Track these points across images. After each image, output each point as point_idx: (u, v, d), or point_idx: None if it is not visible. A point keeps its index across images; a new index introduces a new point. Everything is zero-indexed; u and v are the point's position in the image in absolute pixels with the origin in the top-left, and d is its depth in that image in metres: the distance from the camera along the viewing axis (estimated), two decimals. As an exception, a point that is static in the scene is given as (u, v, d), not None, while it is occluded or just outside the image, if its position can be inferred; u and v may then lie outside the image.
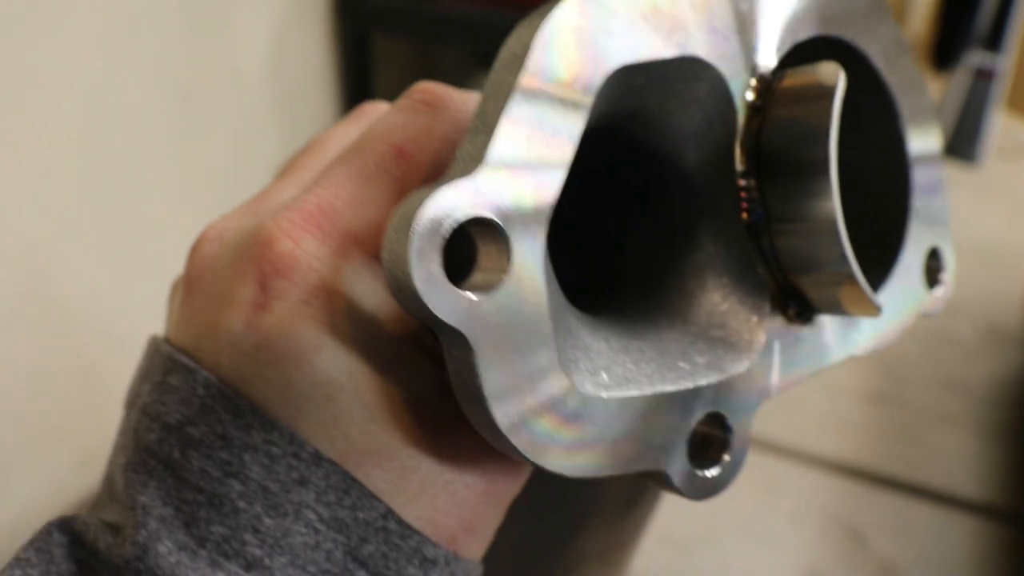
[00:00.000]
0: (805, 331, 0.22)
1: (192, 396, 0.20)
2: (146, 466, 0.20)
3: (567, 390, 0.17)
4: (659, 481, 0.19)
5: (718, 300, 0.21)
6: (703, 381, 0.19)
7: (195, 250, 0.22)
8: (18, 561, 0.19)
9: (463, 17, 1.00)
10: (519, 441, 0.17)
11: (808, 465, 0.97)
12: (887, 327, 0.24)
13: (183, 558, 0.18)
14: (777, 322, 0.21)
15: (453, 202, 0.15)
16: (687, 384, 0.19)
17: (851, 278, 0.19)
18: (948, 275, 0.26)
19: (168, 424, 0.20)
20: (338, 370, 0.19)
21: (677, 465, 0.19)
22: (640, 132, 0.21)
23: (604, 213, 0.24)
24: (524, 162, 0.16)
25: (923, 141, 0.25)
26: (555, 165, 0.17)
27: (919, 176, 0.25)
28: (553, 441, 0.17)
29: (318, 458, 0.19)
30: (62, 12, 0.68)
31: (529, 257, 0.16)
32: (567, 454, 0.17)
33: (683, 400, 0.19)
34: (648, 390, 0.18)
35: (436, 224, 0.15)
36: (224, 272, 0.21)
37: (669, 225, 0.22)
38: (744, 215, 0.20)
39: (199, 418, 0.19)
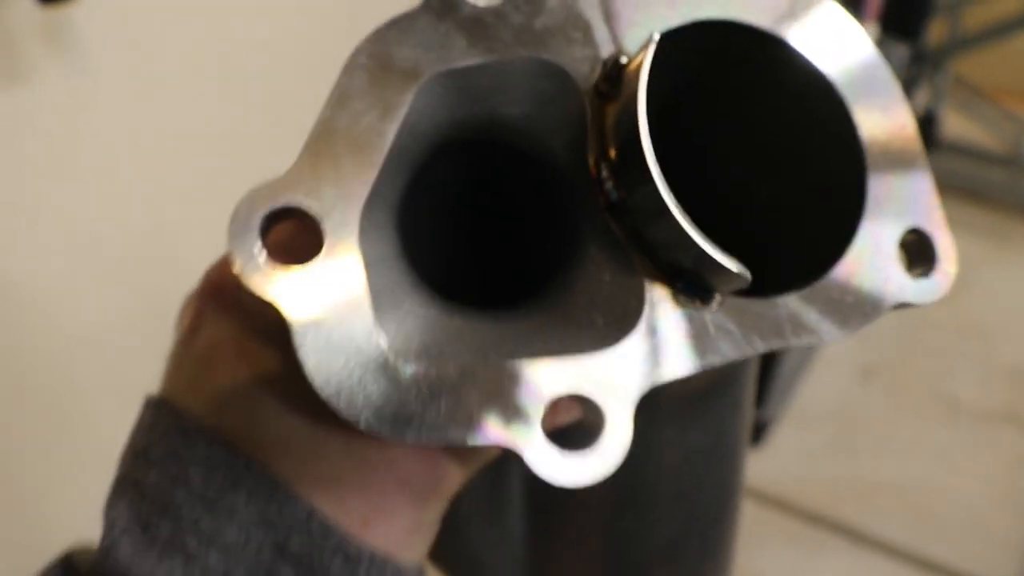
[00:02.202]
0: (706, 314, 0.21)
1: (156, 425, 0.24)
2: (121, 487, 0.24)
3: (383, 357, 0.19)
4: (517, 459, 0.20)
5: (595, 288, 0.22)
6: (548, 361, 0.20)
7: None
8: None
9: None
10: (333, 399, 0.19)
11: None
12: (847, 311, 0.23)
13: (137, 556, 0.22)
14: (665, 304, 0.21)
15: (270, 193, 0.19)
16: (526, 361, 0.20)
17: (682, 235, 0.19)
18: (945, 264, 0.24)
19: (138, 451, 0.24)
20: (257, 367, 0.22)
21: (531, 441, 0.20)
22: (511, 138, 0.22)
23: (508, 220, 0.25)
24: (340, 157, 0.19)
25: (883, 113, 0.24)
26: (369, 160, 0.19)
27: (884, 149, 0.23)
28: (379, 406, 0.19)
29: (248, 463, 0.22)
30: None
31: (344, 241, 0.19)
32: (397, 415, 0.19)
33: (533, 377, 0.20)
34: (481, 363, 0.20)
35: (251, 209, 0.18)
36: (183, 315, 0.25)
37: (559, 223, 0.23)
38: (602, 199, 0.21)
39: (160, 441, 0.23)
